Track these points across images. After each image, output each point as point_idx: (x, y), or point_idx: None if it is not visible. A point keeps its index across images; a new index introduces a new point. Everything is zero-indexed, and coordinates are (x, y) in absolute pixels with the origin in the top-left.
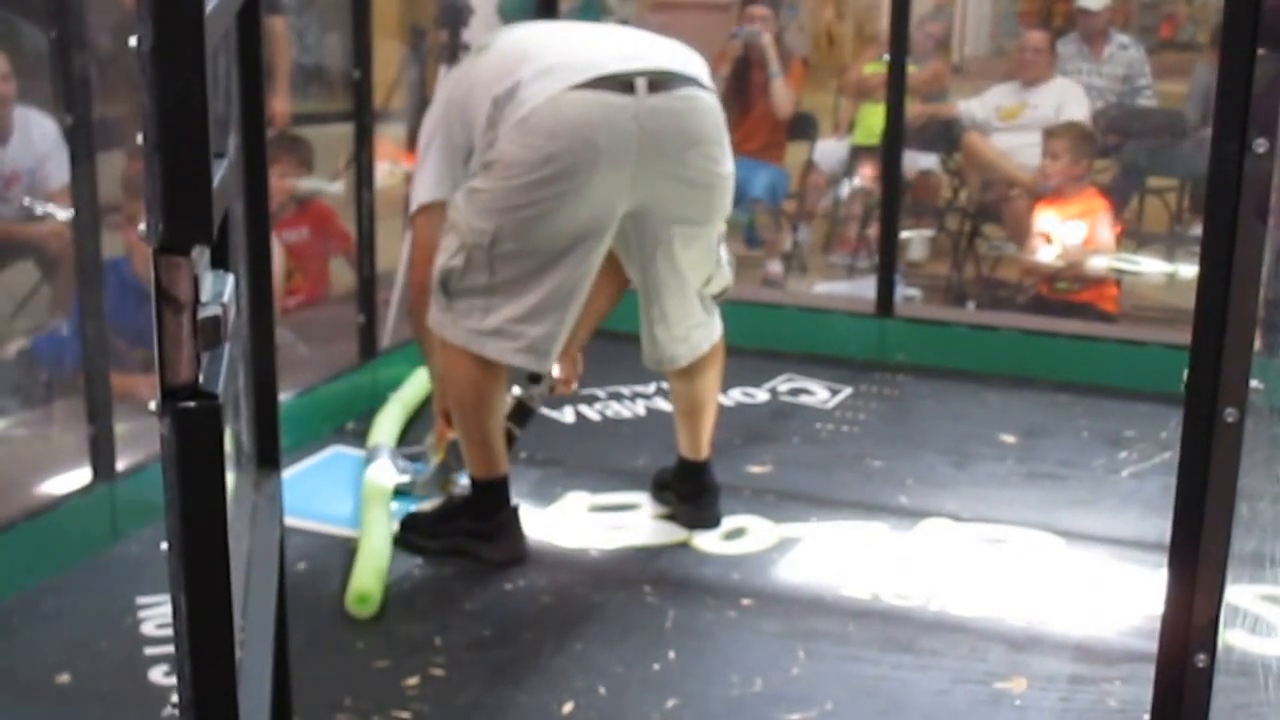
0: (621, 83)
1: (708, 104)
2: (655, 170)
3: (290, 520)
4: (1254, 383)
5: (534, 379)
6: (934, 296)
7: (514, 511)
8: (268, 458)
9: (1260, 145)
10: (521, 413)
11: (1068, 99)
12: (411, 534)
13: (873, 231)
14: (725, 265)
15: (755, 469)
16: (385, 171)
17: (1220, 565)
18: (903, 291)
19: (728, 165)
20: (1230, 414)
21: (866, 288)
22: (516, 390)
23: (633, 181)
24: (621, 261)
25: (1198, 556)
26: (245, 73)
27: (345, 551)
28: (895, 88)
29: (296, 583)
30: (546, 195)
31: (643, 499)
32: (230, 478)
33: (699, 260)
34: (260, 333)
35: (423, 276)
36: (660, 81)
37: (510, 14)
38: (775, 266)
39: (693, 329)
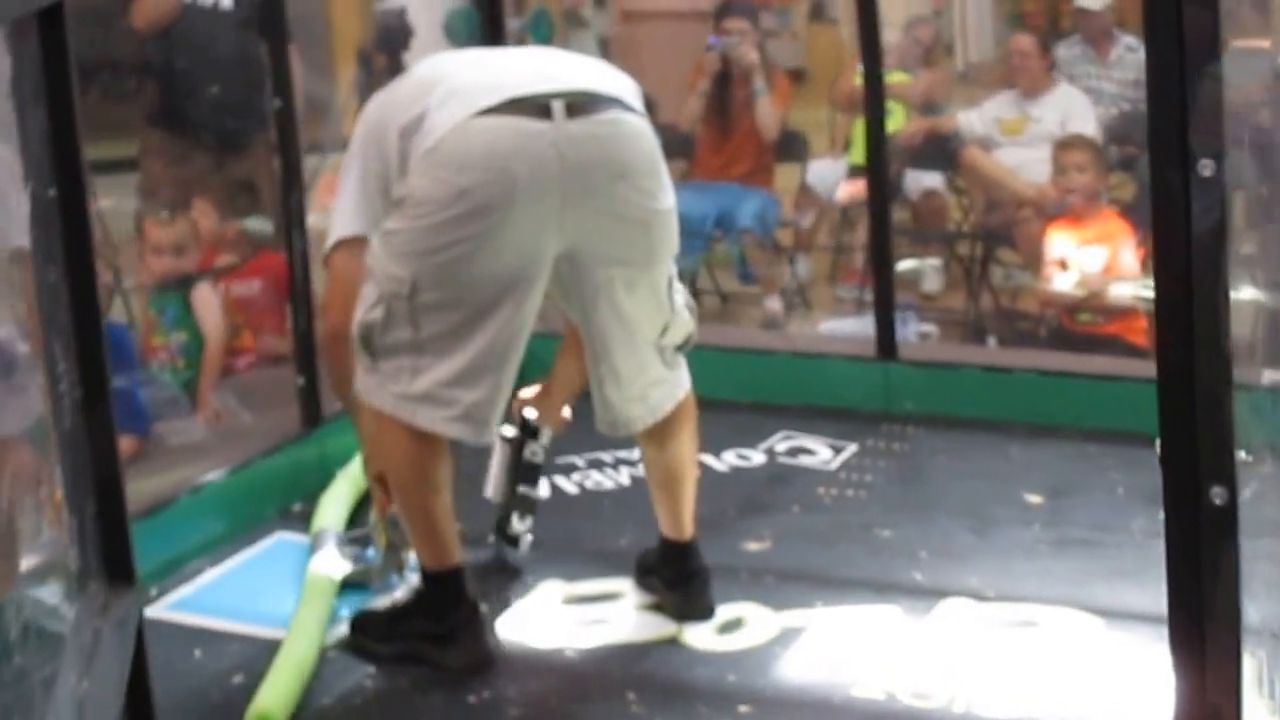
0: (536, 106)
1: (636, 129)
2: (583, 205)
3: (226, 624)
4: (1241, 454)
5: (531, 432)
6: (951, 332)
7: (473, 609)
8: (119, 572)
9: (1206, 168)
10: (530, 473)
11: (1073, 110)
12: (362, 637)
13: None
14: (683, 310)
15: (752, 545)
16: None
17: (1233, 687)
18: (916, 328)
19: (665, 199)
20: (1217, 494)
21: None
22: (511, 438)
23: (559, 218)
24: (563, 310)
25: (1204, 679)
26: (52, 90)
27: None
28: (872, 99)
29: (231, 699)
30: (463, 235)
31: (626, 586)
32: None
33: (647, 307)
34: (97, 422)
35: (337, 321)
36: (580, 104)
37: (456, 32)
38: (774, 304)
39: (650, 387)
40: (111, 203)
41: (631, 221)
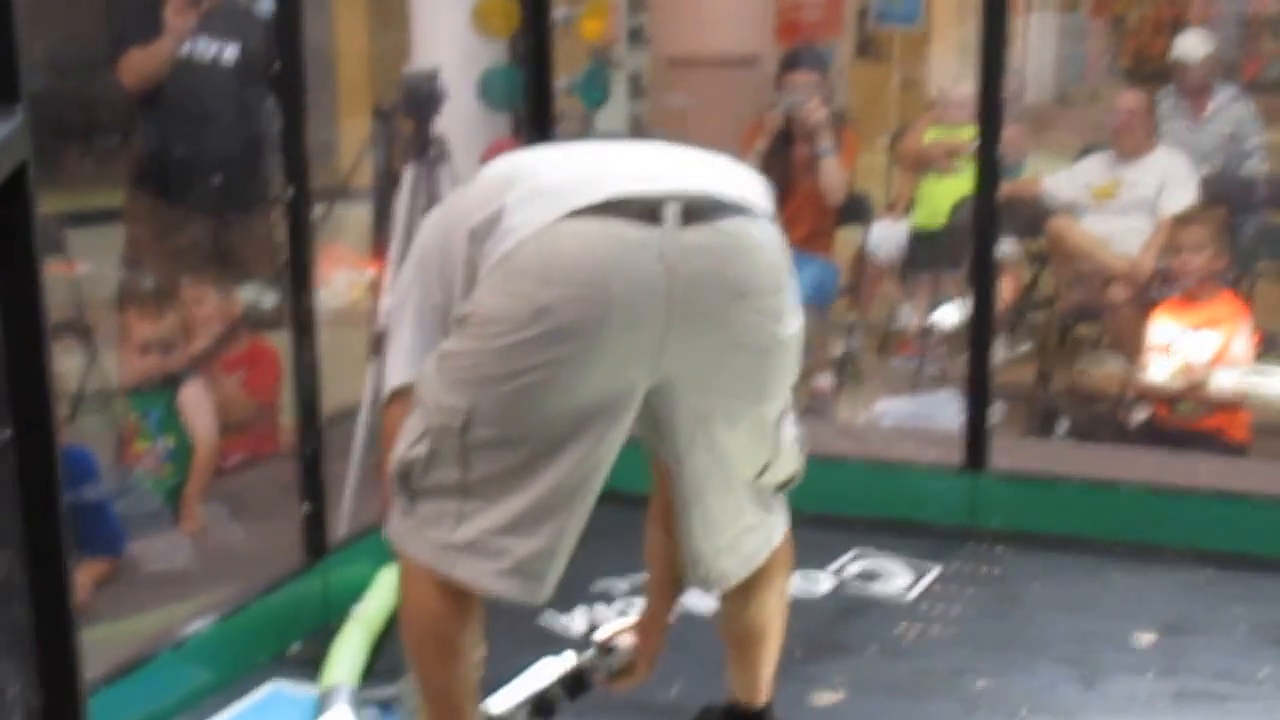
0: (644, 209)
1: (762, 238)
2: (691, 331)
3: None
4: None
5: (605, 649)
6: (1017, 412)
7: None
8: None
9: None
10: (576, 683)
11: (1172, 175)
12: None
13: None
14: (791, 445)
15: (823, 699)
16: (344, 283)
17: None
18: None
19: (792, 323)
20: None
21: (937, 405)
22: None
23: (660, 346)
24: (647, 450)
25: None
26: None
27: None
28: (985, 162)
29: None
30: (539, 362)
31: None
32: None
33: (751, 444)
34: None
35: None
36: (698, 209)
37: (493, 94)
38: (824, 380)
39: (743, 535)
40: (91, 266)
41: (748, 349)
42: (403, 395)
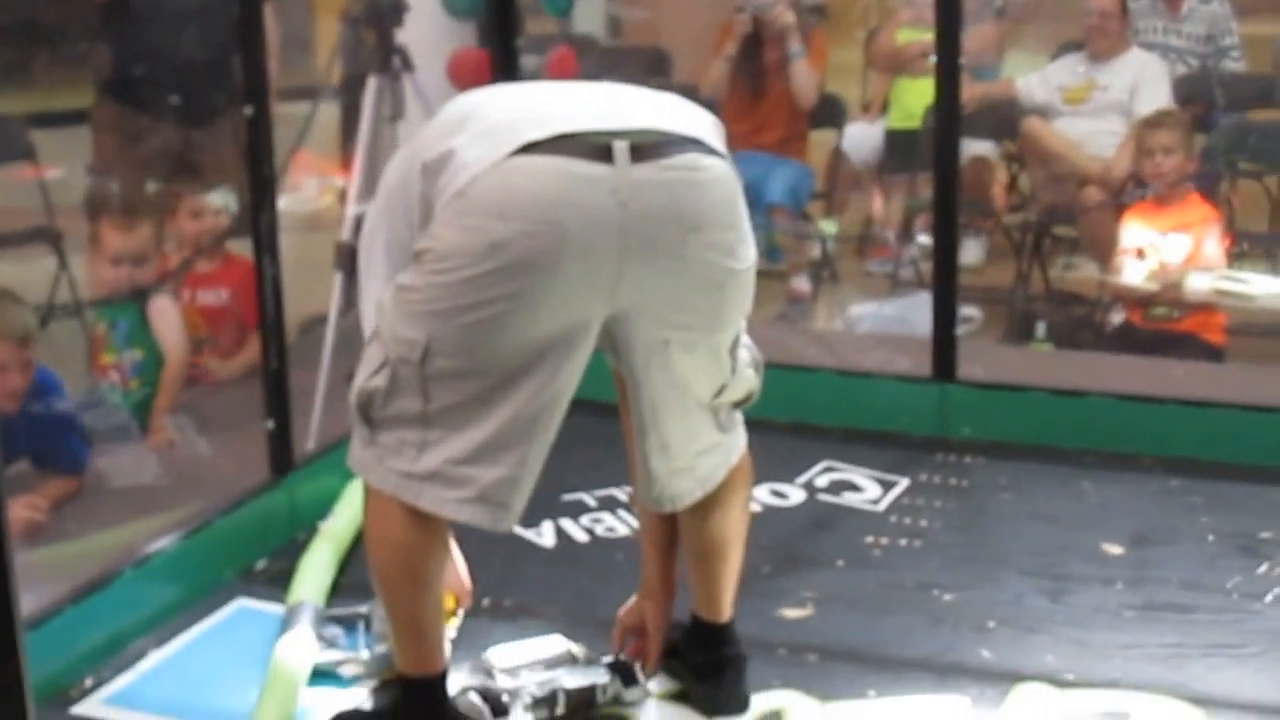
0: (596, 146)
1: (715, 174)
2: (645, 265)
3: None
4: None
5: (629, 678)
6: (995, 317)
7: None
8: None
9: None
10: (582, 700)
11: (1145, 77)
12: None
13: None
14: (746, 369)
15: (791, 613)
16: (314, 189)
17: None
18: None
19: (745, 255)
20: None
21: (914, 308)
22: (602, 679)
23: (615, 279)
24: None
25: None
26: None
27: None
28: (947, 61)
29: None
30: (495, 296)
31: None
32: None
33: (705, 369)
34: None
35: None
36: (649, 146)
37: (457, 5)
38: (801, 283)
39: (700, 457)
40: (62, 172)
41: (702, 283)
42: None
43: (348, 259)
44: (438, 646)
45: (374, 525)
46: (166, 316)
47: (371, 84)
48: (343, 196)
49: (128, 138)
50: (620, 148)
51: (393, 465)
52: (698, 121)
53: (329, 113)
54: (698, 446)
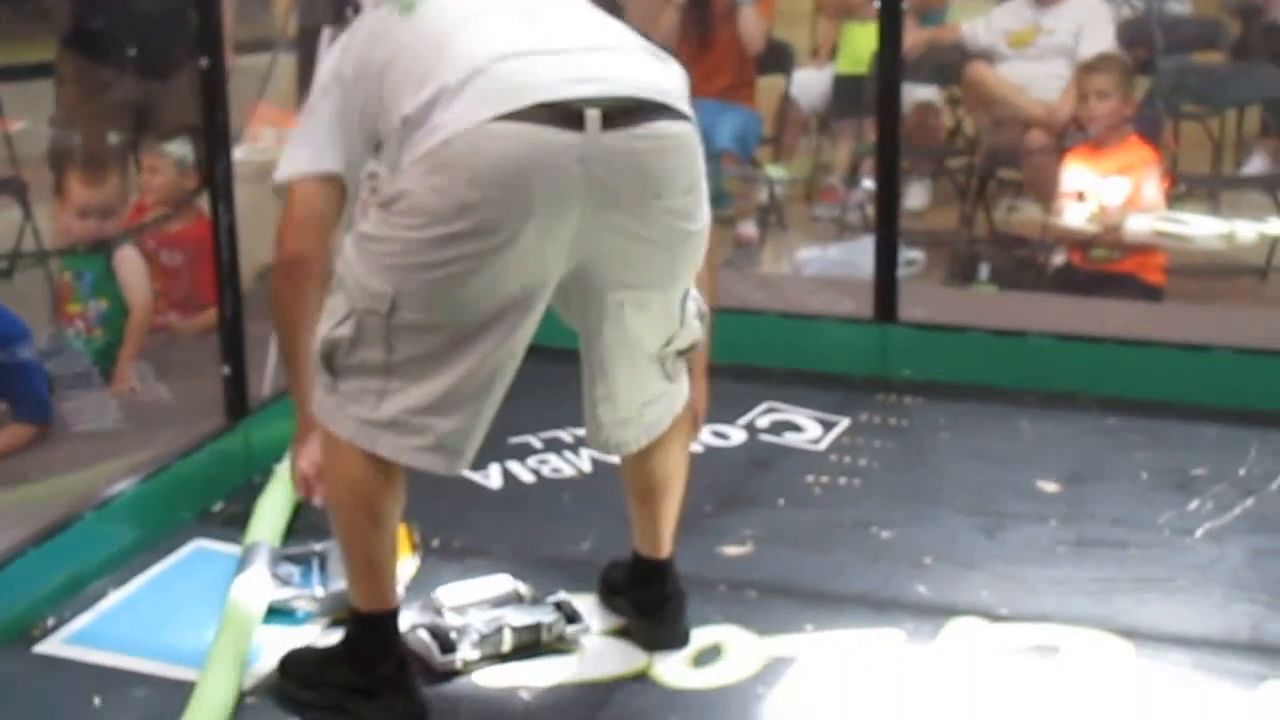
0: (569, 113)
1: (681, 141)
2: (603, 227)
3: (132, 661)
4: None
5: (573, 617)
6: (939, 259)
7: (401, 662)
8: None
9: None
10: (528, 636)
11: (1090, 21)
12: (287, 681)
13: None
14: (693, 319)
15: (731, 550)
16: (271, 139)
17: None
18: (903, 254)
19: (701, 218)
20: None
21: (859, 252)
22: (547, 617)
23: (573, 239)
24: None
25: None
26: None
27: None
28: (890, 6)
29: None
30: (462, 254)
31: (589, 605)
32: None
33: (656, 324)
34: None
35: (299, 247)
36: (620, 113)
37: None
38: (749, 228)
39: (647, 405)
40: (26, 124)
41: (660, 245)
42: (311, 180)
43: None
44: (390, 585)
45: (332, 466)
46: (131, 267)
47: (325, 35)
48: None
49: (90, 90)
50: (592, 116)
51: (353, 412)
52: (669, 79)
53: (287, 65)
54: (644, 397)
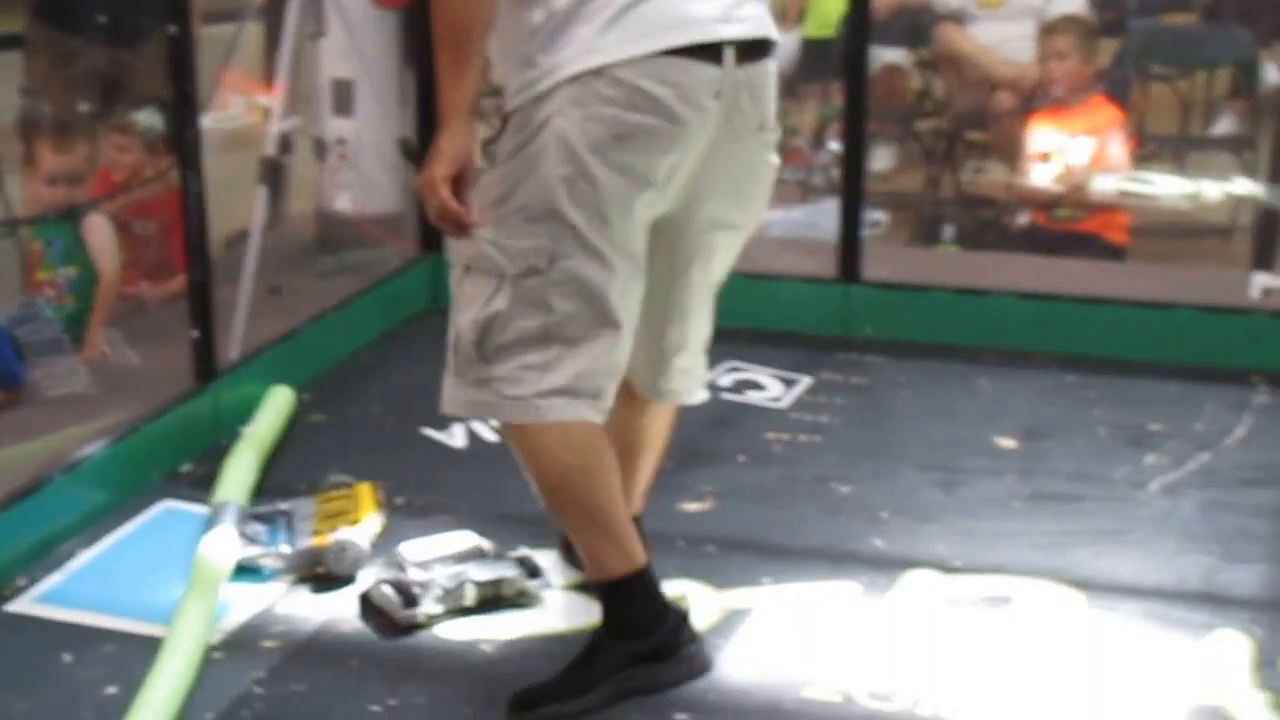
0: (713, 47)
1: (775, 77)
2: (720, 158)
3: (101, 619)
4: None
5: (534, 572)
6: (904, 221)
7: (673, 605)
8: None
9: None
10: (492, 591)
11: None
12: (549, 708)
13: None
14: None
15: (692, 506)
16: (240, 108)
17: None
18: (867, 216)
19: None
20: None
21: (823, 214)
22: (508, 572)
23: (695, 172)
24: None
25: None
26: None
27: None
28: None
29: (106, 716)
30: (616, 188)
31: (551, 561)
32: None
33: (729, 263)
34: None
35: None
36: (747, 48)
37: None
38: None
39: (699, 357)
40: None
41: (757, 178)
42: None
43: (270, 173)
44: (635, 538)
45: (529, 458)
46: (100, 234)
47: (293, 2)
48: (267, 114)
49: (59, 59)
50: (729, 53)
51: (514, 393)
52: (770, 18)
53: (255, 33)
54: (702, 345)
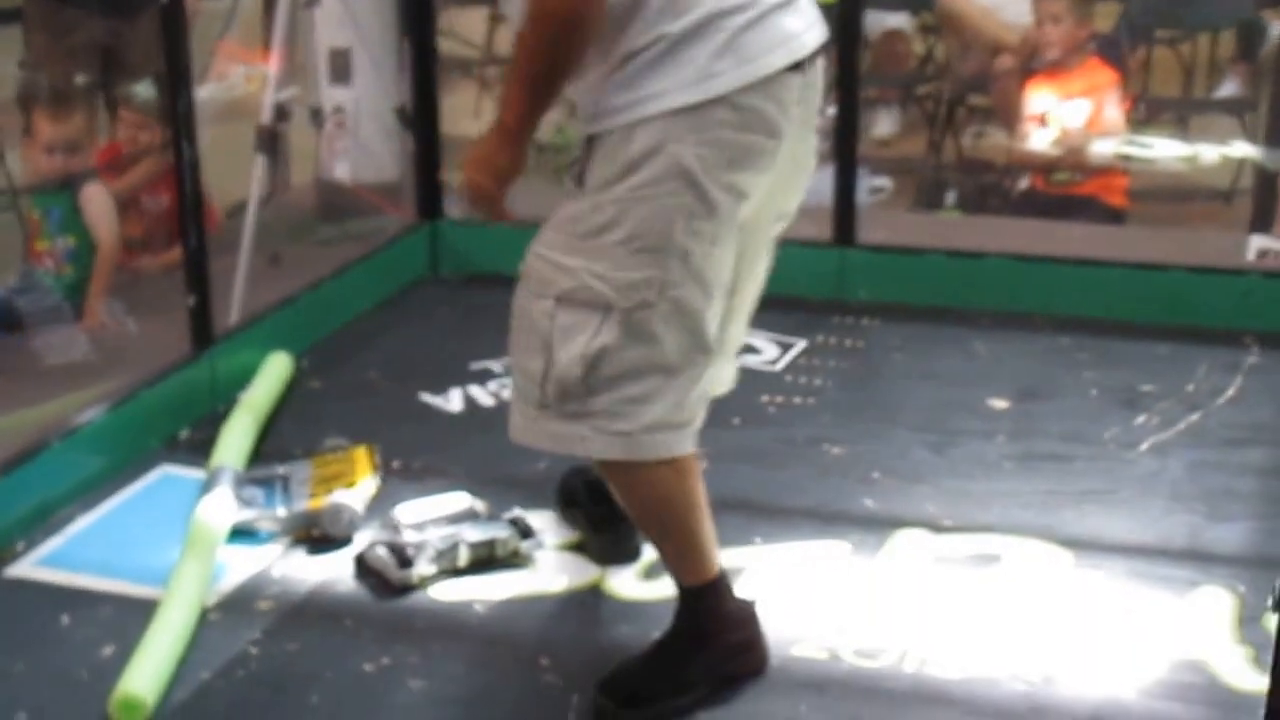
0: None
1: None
2: (790, 155)
3: (99, 581)
4: None
5: (527, 533)
6: (906, 187)
7: (744, 599)
8: None
9: None
10: (485, 552)
11: None
12: (643, 707)
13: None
14: None
15: None
16: (239, 77)
17: None
18: (870, 182)
19: None
20: None
21: (824, 180)
22: (501, 533)
23: (774, 172)
24: None
25: None
26: None
27: None
28: None
29: (101, 676)
30: (729, 209)
31: (545, 521)
32: None
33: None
34: None
35: (580, 7)
36: (814, 56)
37: None
38: None
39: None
40: None
41: (806, 171)
42: None
43: (266, 141)
44: (715, 542)
45: (633, 491)
46: (98, 204)
47: None
48: (265, 81)
49: (58, 32)
50: (809, 64)
51: (615, 428)
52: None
53: (254, 2)
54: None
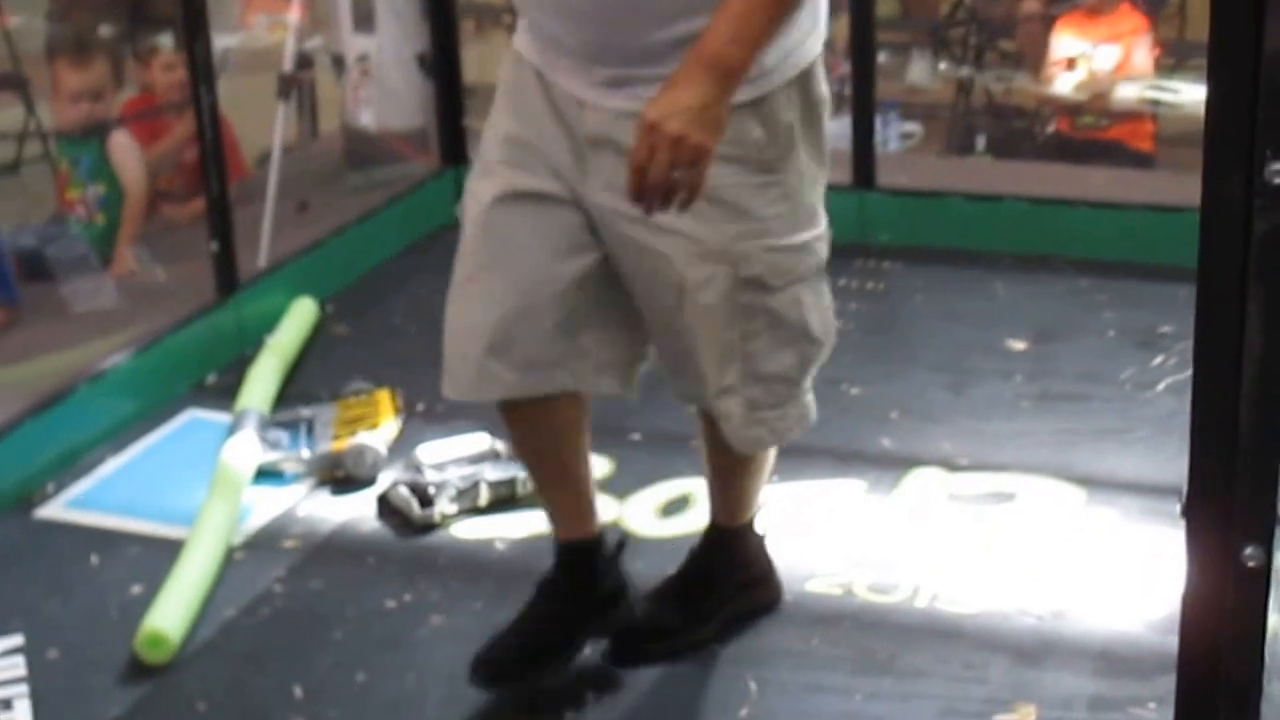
0: None
1: None
2: None
3: (127, 522)
4: None
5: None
6: (936, 131)
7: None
8: None
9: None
10: (506, 490)
11: None
12: (670, 639)
13: None
14: None
15: None
16: (264, 26)
17: None
18: (900, 128)
19: None
20: (1251, 556)
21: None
22: (521, 472)
23: None
24: None
25: None
26: None
27: None
28: None
29: (129, 614)
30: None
31: None
32: None
33: None
34: None
35: None
36: None
37: None
38: None
39: None
40: (22, 20)
41: None
42: None
43: (288, 89)
44: None
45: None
46: (126, 151)
47: None
48: (290, 29)
49: None
50: None
51: (811, 402)
52: None
53: None
54: None
